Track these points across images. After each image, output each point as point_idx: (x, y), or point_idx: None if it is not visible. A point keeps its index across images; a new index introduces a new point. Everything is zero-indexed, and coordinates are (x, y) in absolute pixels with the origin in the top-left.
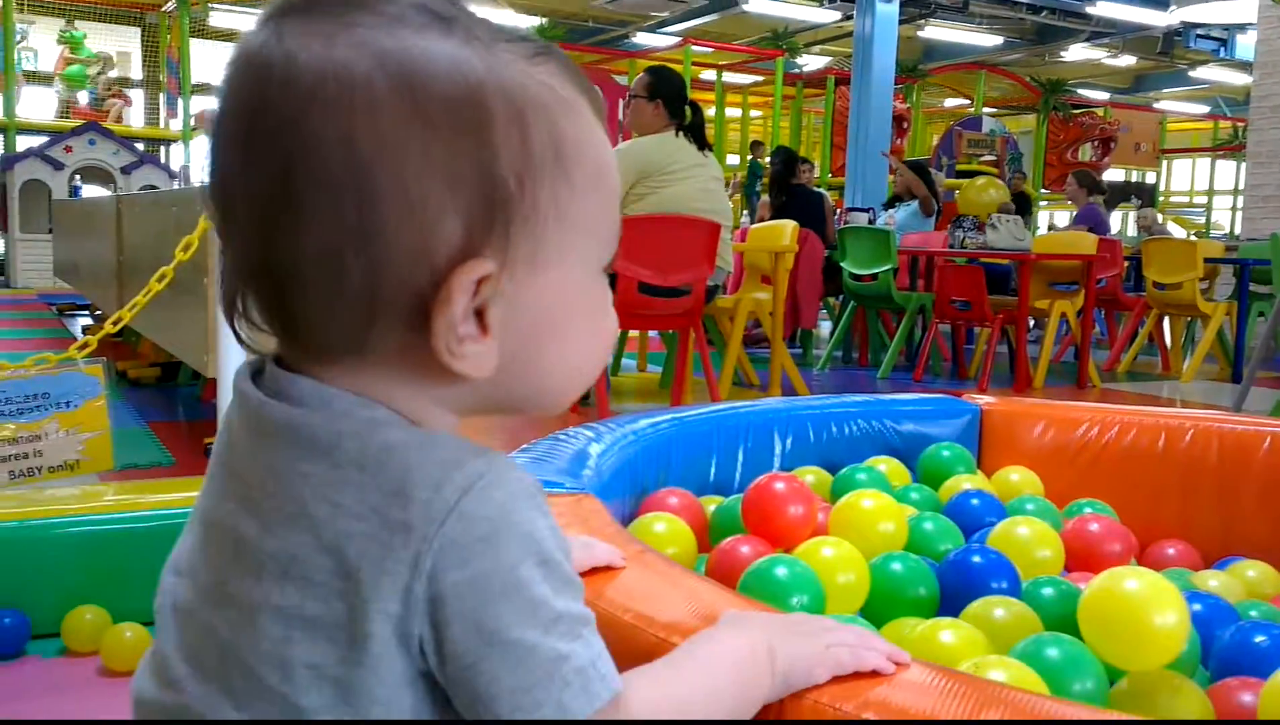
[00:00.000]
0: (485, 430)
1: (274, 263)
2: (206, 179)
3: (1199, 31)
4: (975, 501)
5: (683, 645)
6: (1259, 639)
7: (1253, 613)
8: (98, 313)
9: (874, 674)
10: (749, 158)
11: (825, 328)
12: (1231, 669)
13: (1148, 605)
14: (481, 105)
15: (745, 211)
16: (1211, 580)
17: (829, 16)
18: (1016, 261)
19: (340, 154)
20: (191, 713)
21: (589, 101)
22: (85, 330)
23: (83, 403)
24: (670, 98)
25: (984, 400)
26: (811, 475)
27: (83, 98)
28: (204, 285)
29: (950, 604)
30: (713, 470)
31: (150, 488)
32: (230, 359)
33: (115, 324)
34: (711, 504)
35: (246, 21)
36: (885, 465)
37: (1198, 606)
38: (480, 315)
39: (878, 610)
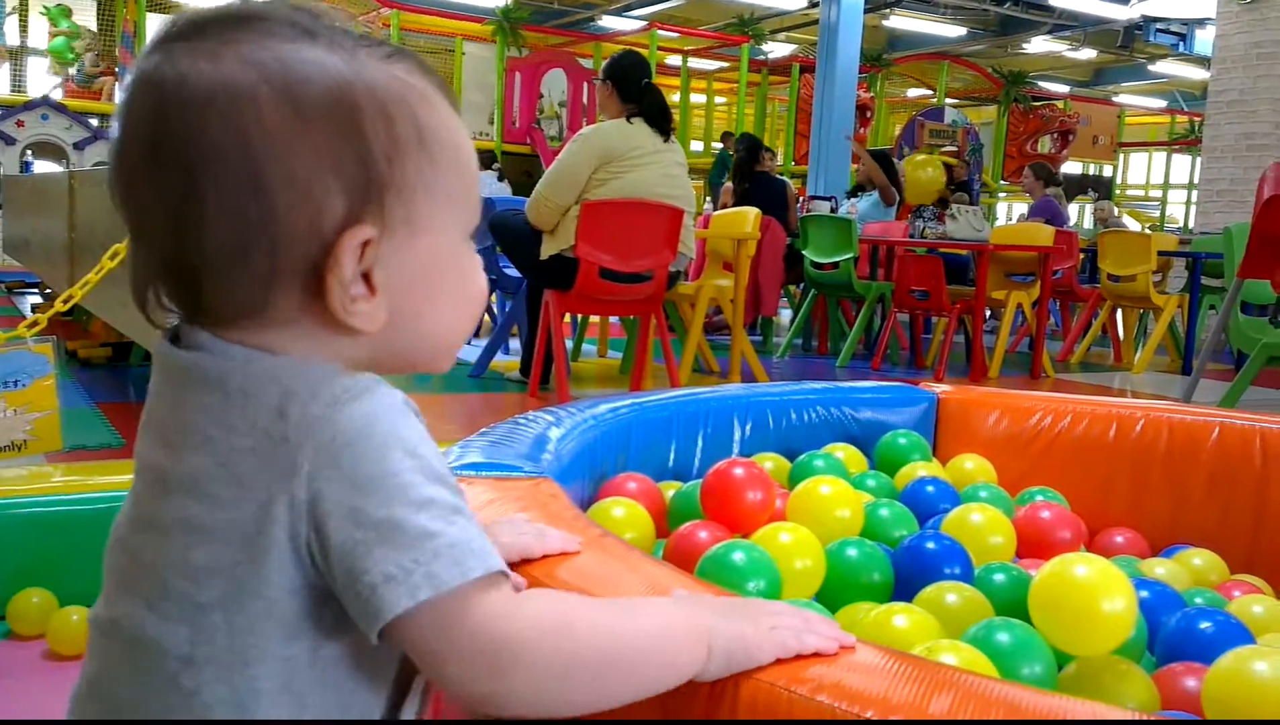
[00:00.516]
0: (446, 416)
1: (185, 256)
2: (112, 189)
3: (1159, 26)
4: (930, 488)
5: (621, 599)
6: (1204, 625)
7: (1198, 599)
8: (48, 291)
9: (818, 655)
10: (717, 146)
11: (786, 316)
12: (1177, 654)
13: (1096, 590)
14: (351, 101)
15: (709, 198)
16: (1158, 568)
17: (795, 3)
18: (974, 252)
19: (237, 158)
20: (120, 627)
21: (442, 93)
22: (35, 308)
23: (31, 382)
24: (622, 81)
25: (940, 388)
26: (770, 462)
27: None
28: None
29: (904, 589)
30: (672, 456)
31: (98, 469)
32: None
33: (66, 302)
34: (670, 489)
35: None
36: (843, 452)
37: (1145, 593)
38: (367, 278)
39: (833, 595)
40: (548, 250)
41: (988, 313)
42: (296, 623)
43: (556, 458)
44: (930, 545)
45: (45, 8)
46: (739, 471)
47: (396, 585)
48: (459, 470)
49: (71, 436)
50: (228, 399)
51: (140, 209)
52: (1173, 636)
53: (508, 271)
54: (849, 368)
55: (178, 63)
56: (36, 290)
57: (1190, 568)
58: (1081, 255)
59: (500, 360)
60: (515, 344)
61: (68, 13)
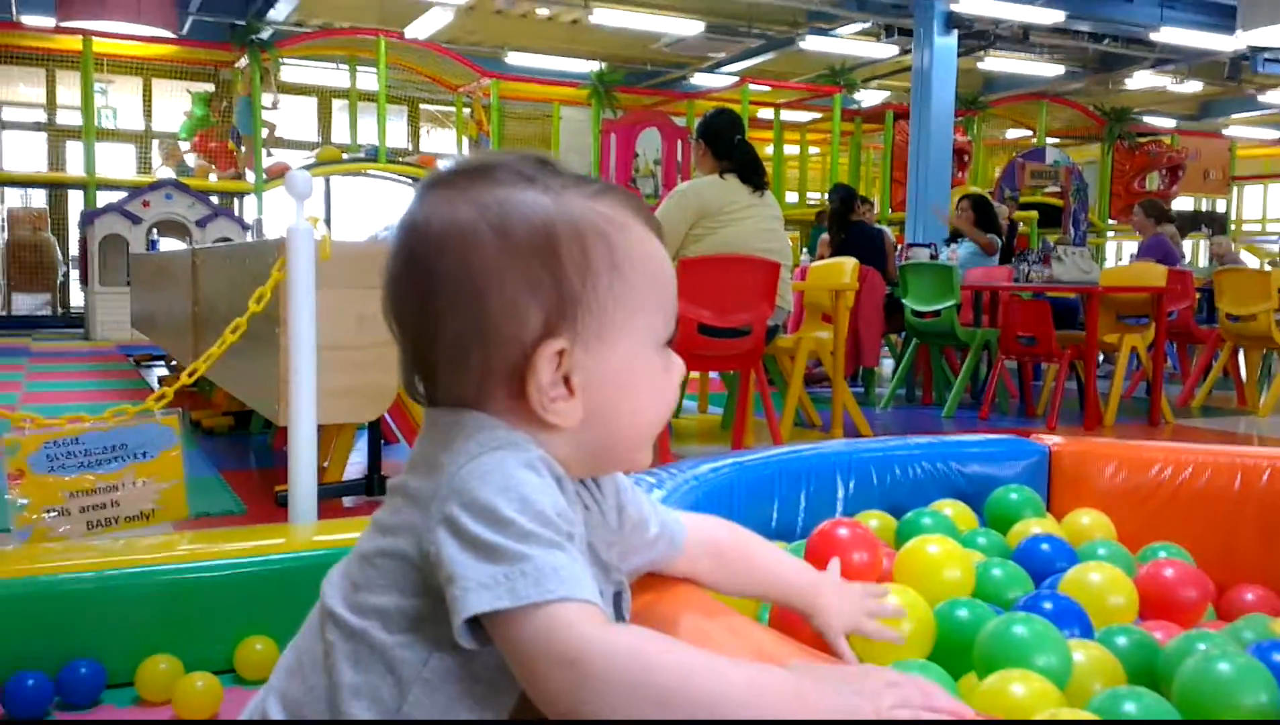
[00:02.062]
0: None
1: (424, 352)
2: (383, 301)
3: (1267, 55)
4: (1045, 546)
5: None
6: None
7: None
8: (173, 363)
9: None
10: (813, 197)
11: (888, 366)
12: None
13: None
14: (551, 234)
15: (805, 249)
16: None
17: (887, 51)
18: (1083, 295)
19: (460, 278)
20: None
21: (641, 219)
22: (161, 381)
23: (159, 453)
24: (715, 139)
25: (1053, 440)
26: (876, 519)
27: (190, 160)
28: (275, 335)
29: None
30: (775, 514)
31: (221, 537)
32: (302, 407)
33: (190, 375)
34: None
35: (318, 75)
36: (951, 509)
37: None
38: (567, 381)
39: (944, 661)
40: None
41: (1100, 358)
42: (416, 623)
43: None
44: (1047, 605)
45: (191, 92)
46: (844, 532)
47: (484, 591)
48: None
49: (196, 504)
50: (430, 440)
51: (398, 314)
52: None
53: None
54: (955, 418)
55: (426, 205)
56: (163, 362)
57: None
58: (1198, 295)
59: None
60: None
61: (206, 101)
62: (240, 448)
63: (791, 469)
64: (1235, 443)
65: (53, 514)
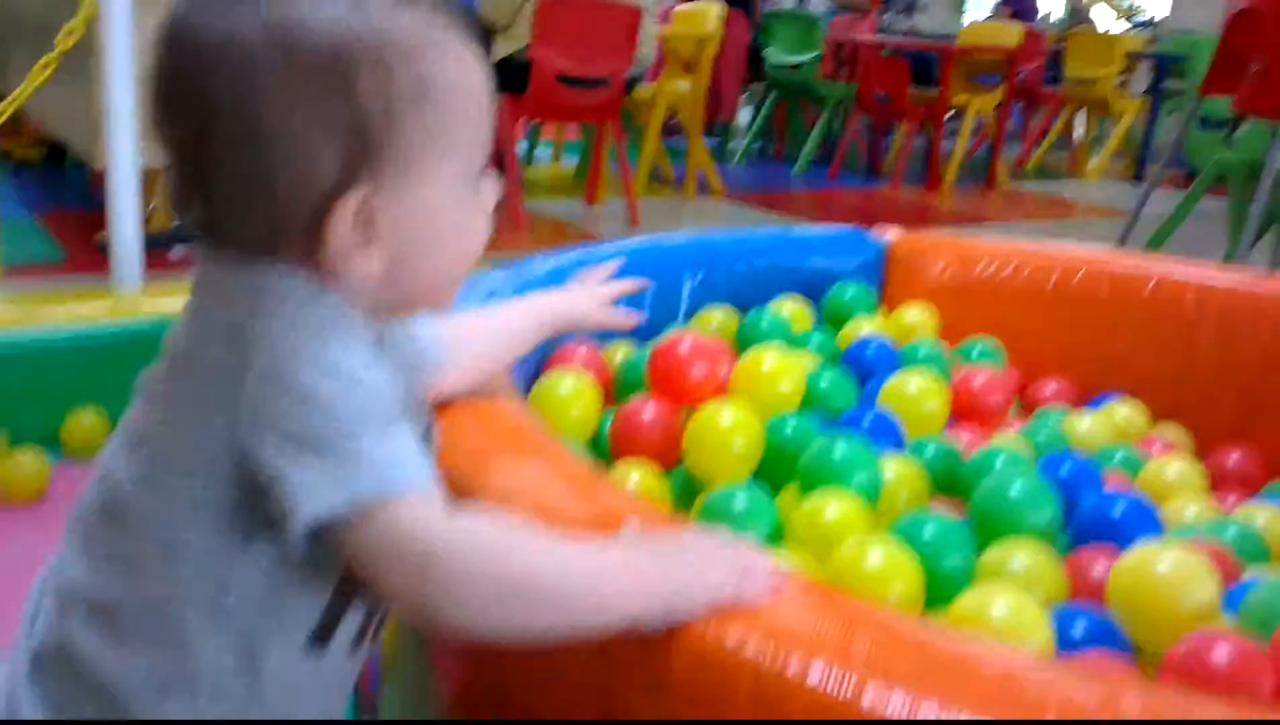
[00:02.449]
0: None
1: (199, 187)
2: (153, 121)
3: None
4: (871, 350)
5: (563, 534)
6: (1117, 509)
7: (1118, 454)
8: None
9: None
10: None
11: (744, 114)
12: (1090, 536)
13: (1180, 586)
14: (349, 60)
15: None
16: (1084, 421)
17: None
18: (939, 53)
19: (239, 114)
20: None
21: (456, 34)
22: None
23: None
24: None
25: (890, 233)
26: (720, 313)
27: None
28: (89, 67)
29: None
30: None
31: (43, 300)
32: (121, 149)
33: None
34: (620, 352)
35: None
36: (789, 308)
37: (1067, 466)
38: (366, 227)
39: (772, 472)
40: (500, 51)
41: (949, 115)
42: (229, 514)
43: None
44: (864, 422)
45: None
46: (685, 345)
47: (315, 492)
48: None
49: (10, 251)
50: (217, 301)
51: (165, 142)
52: (1087, 517)
53: None
54: (805, 176)
55: (197, 17)
56: None
57: (1115, 419)
58: (1047, 55)
59: None
60: None
61: None
62: (55, 184)
63: (639, 264)
64: (1061, 202)
65: None
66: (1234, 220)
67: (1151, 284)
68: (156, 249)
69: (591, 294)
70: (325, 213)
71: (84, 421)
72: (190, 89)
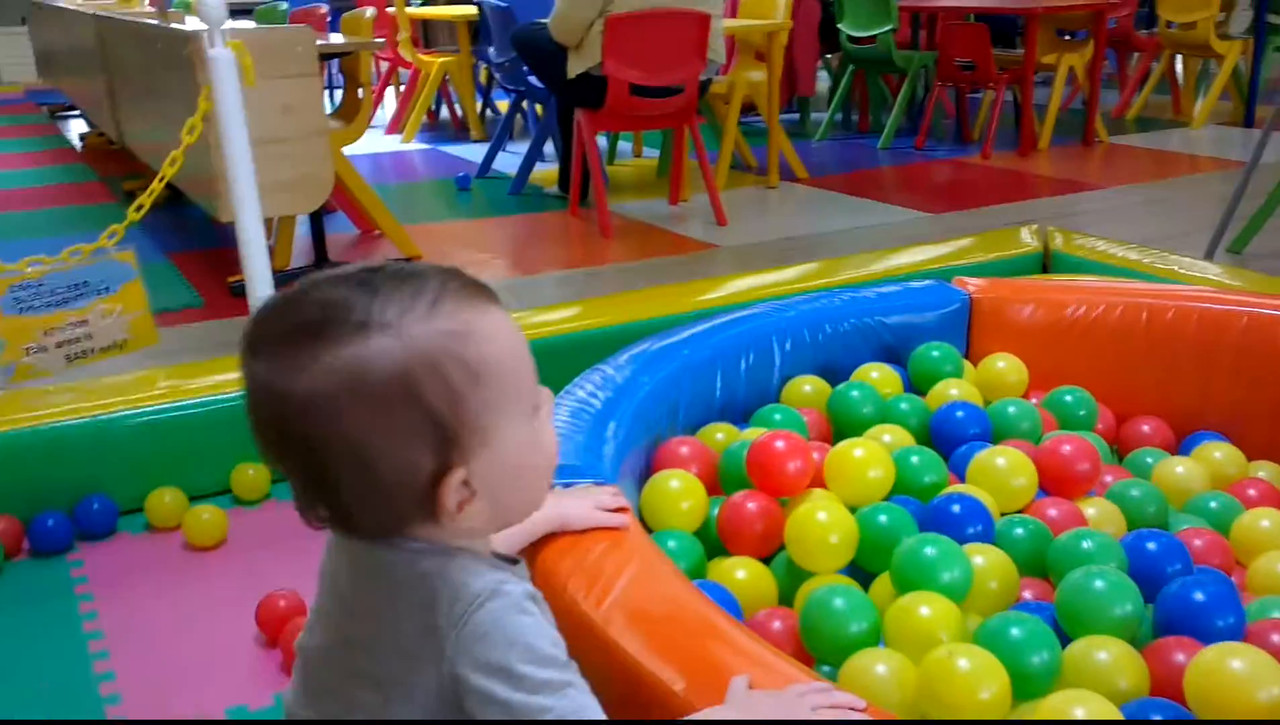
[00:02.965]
0: (492, 243)
1: (321, 497)
2: (266, 456)
3: None
4: (960, 413)
5: (686, 718)
6: (1198, 595)
7: (1213, 503)
8: (91, 122)
9: None
10: None
11: (824, 79)
12: (1174, 621)
13: (1254, 684)
14: (410, 381)
15: None
16: (1178, 467)
17: None
18: (1022, 13)
19: (339, 445)
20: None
21: (478, 308)
22: (82, 137)
23: (120, 287)
24: None
25: (973, 285)
26: (809, 385)
27: None
28: (205, 132)
29: None
30: (718, 389)
31: (200, 370)
32: (246, 210)
33: (138, 210)
34: (719, 432)
35: None
36: (877, 372)
37: (1152, 545)
38: (467, 484)
39: (868, 558)
40: (574, 68)
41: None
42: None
43: (615, 447)
44: (955, 508)
45: None
46: (780, 444)
47: None
48: None
49: (154, 297)
50: (390, 587)
51: (286, 470)
52: (1170, 602)
53: (535, 81)
54: (892, 150)
55: (280, 378)
56: (77, 113)
57: (1209, 462)
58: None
59: (539, 170)
60: (551, 149)
61: None
62: (181, 223)
63: (730, 344)
64: (1167, 156)
65: (34, 350)
66: None
67: (1243, 321)
68: (281, 286)
69: (589, 501)
70: (433, 494)
71: (249, 473)
72: (293, 433)
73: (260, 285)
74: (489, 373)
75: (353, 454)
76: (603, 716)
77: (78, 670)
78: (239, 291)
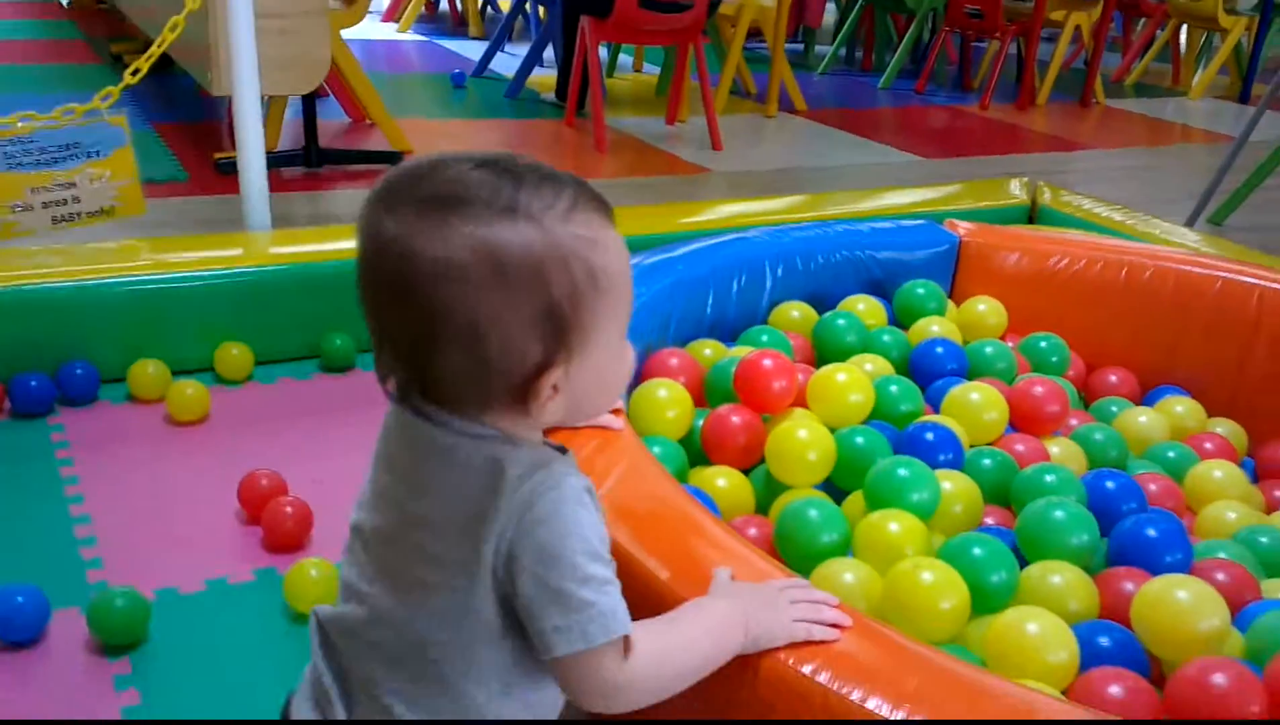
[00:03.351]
0: (484, 144)
1: (422, 372)
2: (361, 304)
3: None
4: (939, 350)
5: (682, 607)
6: (1150, 532)
7: (1170, 453)
8: None
9: (824, 643)
10: None
11: (832, 12)
12: (1126, 554)
13: (1196, 613)
14: (543, 271)
15: None
16: (1141, 417)
17: None
18: None
19: (461, 314)
20: (375, 603)
21: (605, 219)
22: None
23: (111, 151)
24: None
25: (963, 228)
26: (797, 311)
27: None
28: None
29: None
30: (709, 306)
31: (178, 244)
32: (245, 84)
33: (134, 74)
34: (707, 348)
35: None
36: (864, 304)
37: (1111, 483)
38: (555, 386)
39: (843, 477)
40: None
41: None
42: (502, 630)
43: None
44: (929, 436)
45: None
46: (767, 363)
47: (561, 635)
48: None
49: (139, 166)
50: (455, 467)
51: (385, 329)
52: (1123, 536)
53: None
54: (892, 90)
55: (415, 239)
56: None
57: (1171, 414)
58: None
59: (536, 74)
60: (551, 54)
61: None
62: (165, 91)
63: (724, 265)
64: (1161, 125)
65: (19, 208)
66: None
67: (1217, 286)
68: (269, 168)
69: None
70: (531, 384)
71: (233, 352)
72: (416, 297)
73: (253, 165)
74: (608, 282)
75: (469, 327)
76: (627, 617)
77: (59, 532)
78: (226, 168)
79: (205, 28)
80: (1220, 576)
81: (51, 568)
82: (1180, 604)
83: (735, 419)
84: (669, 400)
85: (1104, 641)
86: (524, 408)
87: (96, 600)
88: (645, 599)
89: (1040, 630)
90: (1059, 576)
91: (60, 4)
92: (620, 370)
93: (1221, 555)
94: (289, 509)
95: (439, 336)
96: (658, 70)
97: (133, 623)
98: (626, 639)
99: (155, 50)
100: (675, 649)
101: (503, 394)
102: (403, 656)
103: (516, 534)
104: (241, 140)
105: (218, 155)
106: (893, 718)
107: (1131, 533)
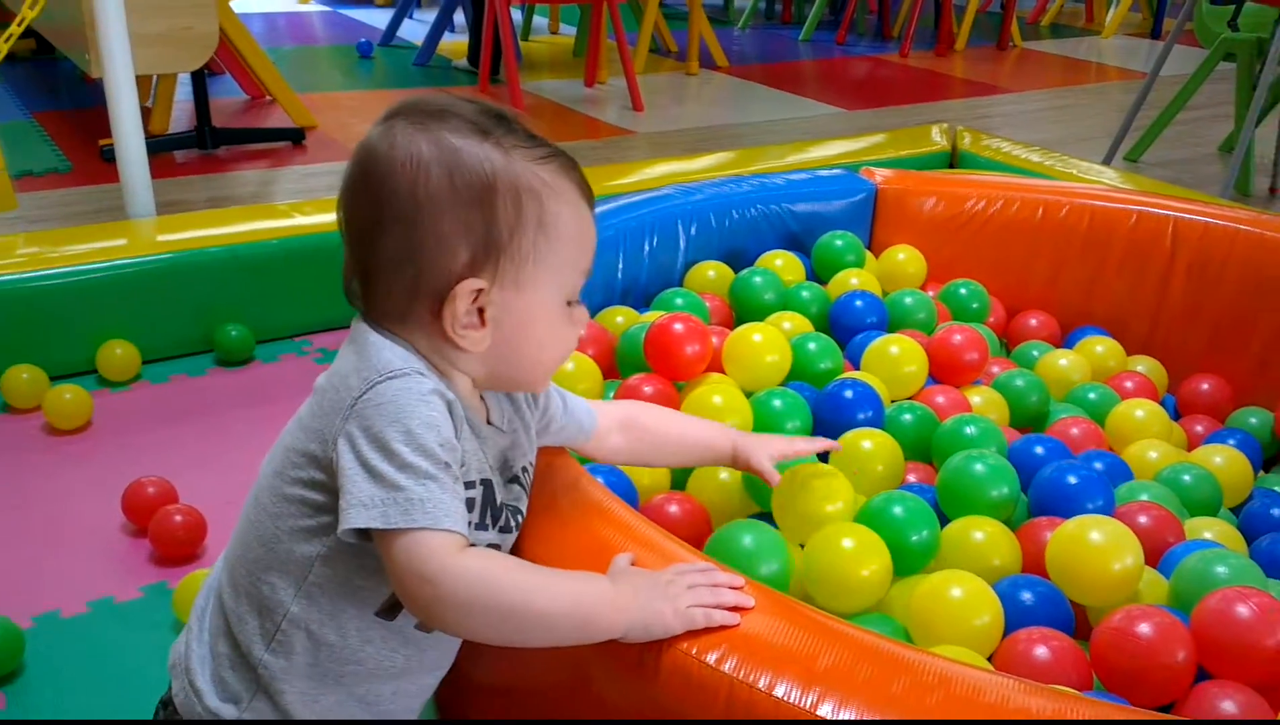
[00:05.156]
0: None
1: (364, 261)
2: (338, 208)
3: None
4: (859, 303)
5: (554, 570)
6: (1071, 479)
7: (1091, 395)
8: None
9: (723, 628)
10: None
11: None
12: (1047, 504)
13: (1108, 554)
14: (492, 186)
15: None
16: (1061, 359)
17: None
18: None
19: (407, 203)
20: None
21: (577, 188)
22: None
23: None
24: None
25: (879, 176)
26: (713, 270)
27: None
28: None
29: (823, 428)
30: (620, 271)
31: (57, 237)
32: (117, 61)
33: (6, 40)
34: (619, 315)
35: None
36: (781, 260)
37: (1040, 449)
38: (481, 313)
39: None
40: None
41: None
42: (311, 507)
43: None
44: (848, 393)
45: None
46: (679, 327)
47: (364, 509)
48: None
49: (16, 160)
50: (351, 352)
51: (347, 222)
52: (1045, 485)
53: None
54: (813, 42)
55: (391, 132)
56: None
57: (1091, 356)
58: None
59: (447, 40)
60: (461, 19)
61: None
62: (49, 78)
63: (634, 227)
64: (1077, 64)
65: None
66: (1240, 98)
67: (1132, 220)
68: (161, 152)
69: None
70: (451, 290)
71: (116, 351)
72: (372, 186)
73: (131, 148)
74: (554, 231)
75: (410, 212)
76: (450, 517)
77: None
78: (110, 156)
79: (78, 6)
80: (1143, 519)
81: None
82: (1092, 545)
83: (647, 389)
84: (577, 373)
85: (1027, 597)
86: (438, 324)
87: None
88: None
89: (963, 594)
90: (980, 532)
91: None
92: (557, 336)
93: (1144, 497)
94: (178, 518)
95: (383, 219)
96: (574, 31)
97: (3, 654)
98: (447, 540)
99: (15, 29)
100: (518, 588)
101: (426, 300)
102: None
103: (350, 414)
104: (116, 122)
105: (102, 142)
106: (803, 704)
107: (1051, 481)
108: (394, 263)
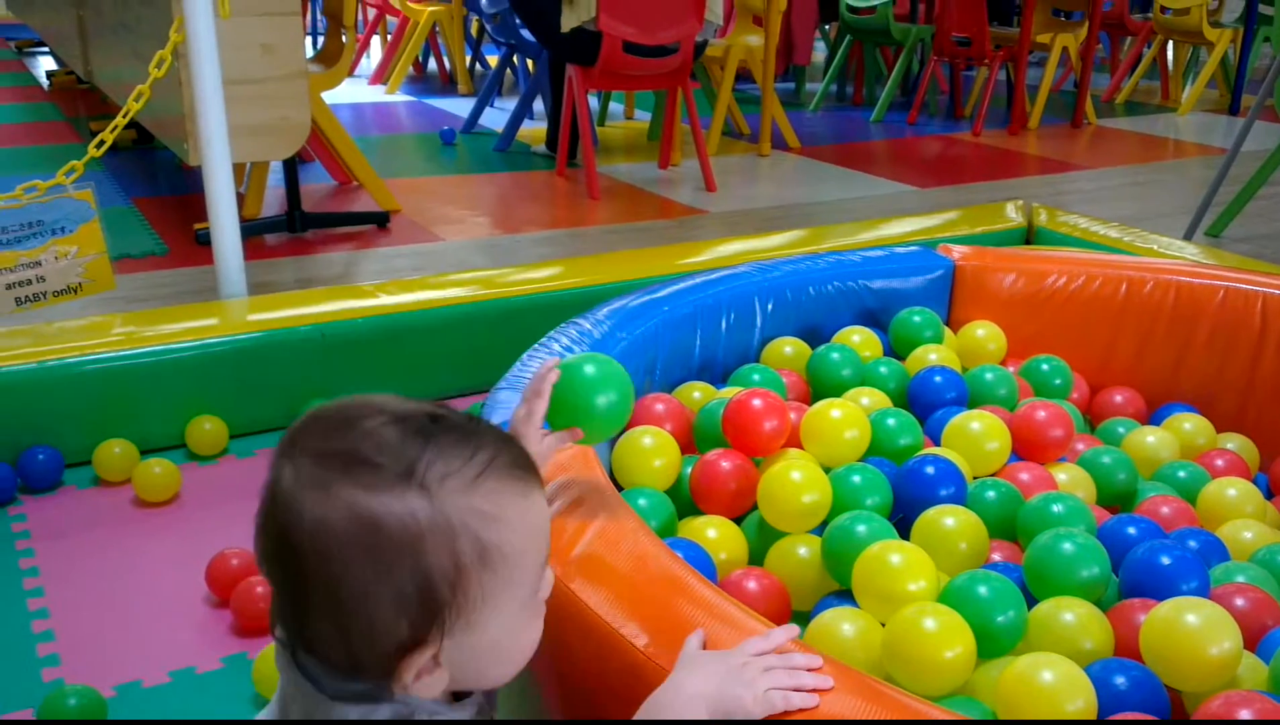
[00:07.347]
0: (479, 201)
1: (296, 629)
2: (258, 557)
3: None
4: (938, 379)
5: (646, 704)
6: (1164, 560)
7: (1181, 473)
8: (59, 60)
9: (801, 711)
10: None
11: (821, 49)
12: (1139, 585)
13: (1206, 638)
14: (418, 543)
15: None
16: (1149, 437)
17: None
18: None
19: (329, 585)
20: None
21: (521, 485)
22: (50, 75)
23: (77, 227)
24: None
25: (957, 252)
26: (790, 347)
27: None
28: (177, 69)
29: (904, 506)
30: (697, 348)
31: (151, 317)
32: (215, 151)
33: (99, 147)
34: (695, 391)
35: None
36: (858, 336)
37: (1133, 530)
38: (436, 656)
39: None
40: (568, 22)
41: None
42: None
43: None
44: (929, 470)
45: None
46: (757, 402)
47: None
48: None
49: (115, 244)
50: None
51: (272, 580)
52: (1136, 567)
53: (527, 34)
54: (885, 123)
55: (302, 496)
56: (46, 50)
57: (1179, 432)
58: None
59: (526, 127)
60: (540, 106)
61: None
62: (147, 166)
63: (711, 303)
64: (1153, 141)
65: None
66: None
67: (1220, 296)
68: (252, 236)
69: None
70: (395, 663)
71: (205, 426)
72: (294, 558)
73: (226, 232)
74: (500, 560)
75: (335, 599)
76: None
77: (15, 628)
78: (205, 239)
79: (178, 96)
80: (1239, 602)
81: (3, 668)
82: (1189, 629)
83: (725, 464)
84: (654, 448)
85: (1120, 681)
86: (397, 682)
87: (47, 702)
88: (622, 669)
89: (1055, 678)
90: (1070, 613)
91: (42, 87)
92: (524, 640)
93: (1240, 579)
94: (260, 589)
95: (309, 602)
96: (649, 116)
97: (86, 722)
98: None
99: (120, 120)
100: None
101: (370, 665)
102: None
103: None
104: (212, 207)
105: (197, 226)
106: None
107: (1144, 562)
108: (327, 643)
